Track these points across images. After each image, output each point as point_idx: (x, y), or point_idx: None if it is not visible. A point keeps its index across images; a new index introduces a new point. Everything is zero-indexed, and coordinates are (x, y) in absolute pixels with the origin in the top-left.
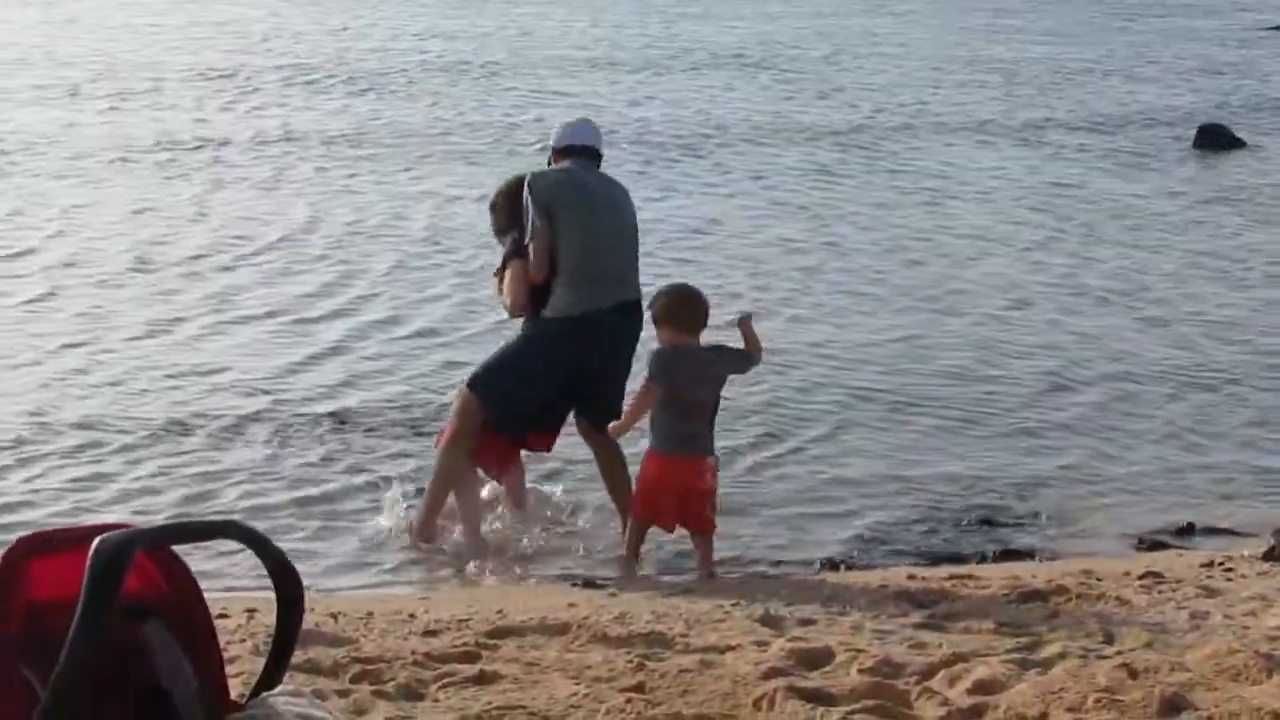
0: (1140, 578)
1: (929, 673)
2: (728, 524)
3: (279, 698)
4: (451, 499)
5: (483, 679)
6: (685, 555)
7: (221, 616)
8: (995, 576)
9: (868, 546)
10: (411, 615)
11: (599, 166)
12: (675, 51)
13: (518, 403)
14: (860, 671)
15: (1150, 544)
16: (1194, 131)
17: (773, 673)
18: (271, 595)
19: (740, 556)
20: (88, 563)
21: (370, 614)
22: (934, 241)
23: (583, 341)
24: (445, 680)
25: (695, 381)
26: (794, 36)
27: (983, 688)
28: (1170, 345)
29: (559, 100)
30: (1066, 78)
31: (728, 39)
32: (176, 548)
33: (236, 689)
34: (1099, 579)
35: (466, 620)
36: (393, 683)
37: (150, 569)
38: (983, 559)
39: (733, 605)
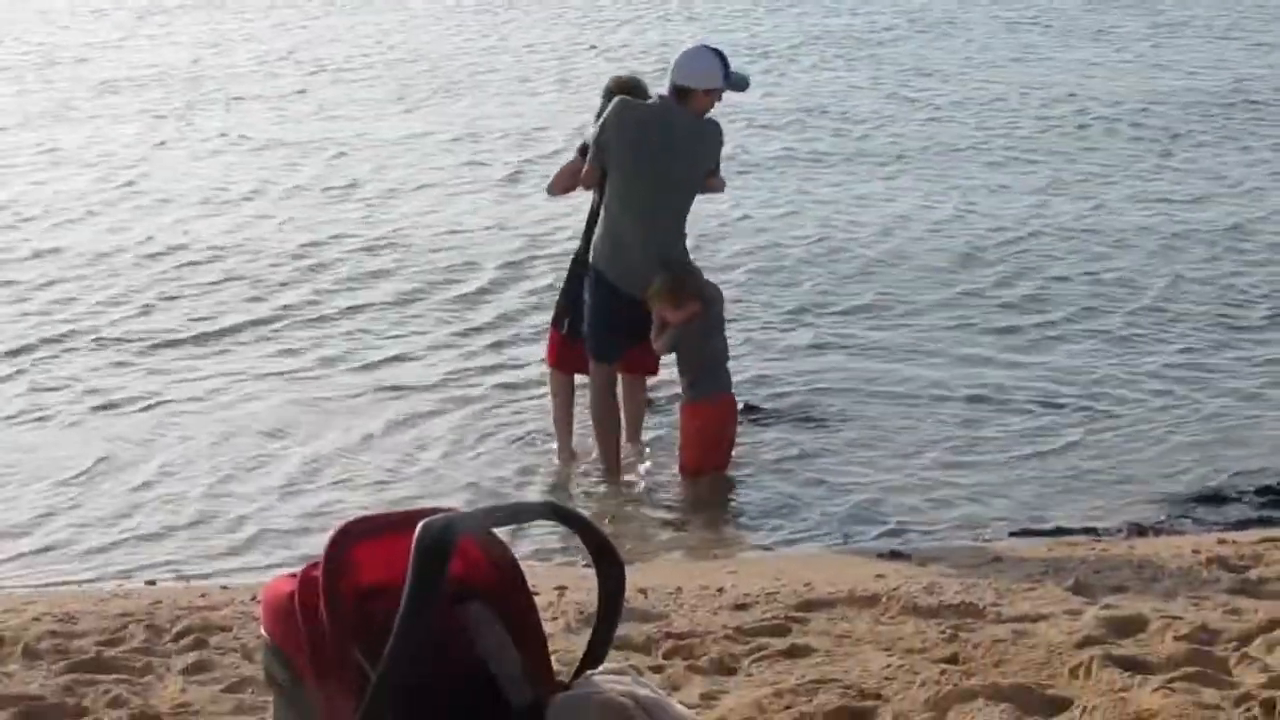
0: None
1: (1246, 638)
2: (1034, 494)
3: (603, 676)
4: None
5: (794, 652)
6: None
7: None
8: None
9: (1175, 511)
10: (720, 589)
11: (689, 102)
12: None
13: (597, 339)
14: (1176, 639)
15: None
16: None
17: (1087, 641)
18: (579, 570)
19: (1042, 524)
20: (413, 546)
21: (679, 589)
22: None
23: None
24: (757, 654)
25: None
26: None
27: None
28: None
29: None
30: None
31: None
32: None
33: (553, 667)
34: None
35: (774, 593)
36: (705, 657)
37: (472, 551)
38: None
39: (1042, 574)
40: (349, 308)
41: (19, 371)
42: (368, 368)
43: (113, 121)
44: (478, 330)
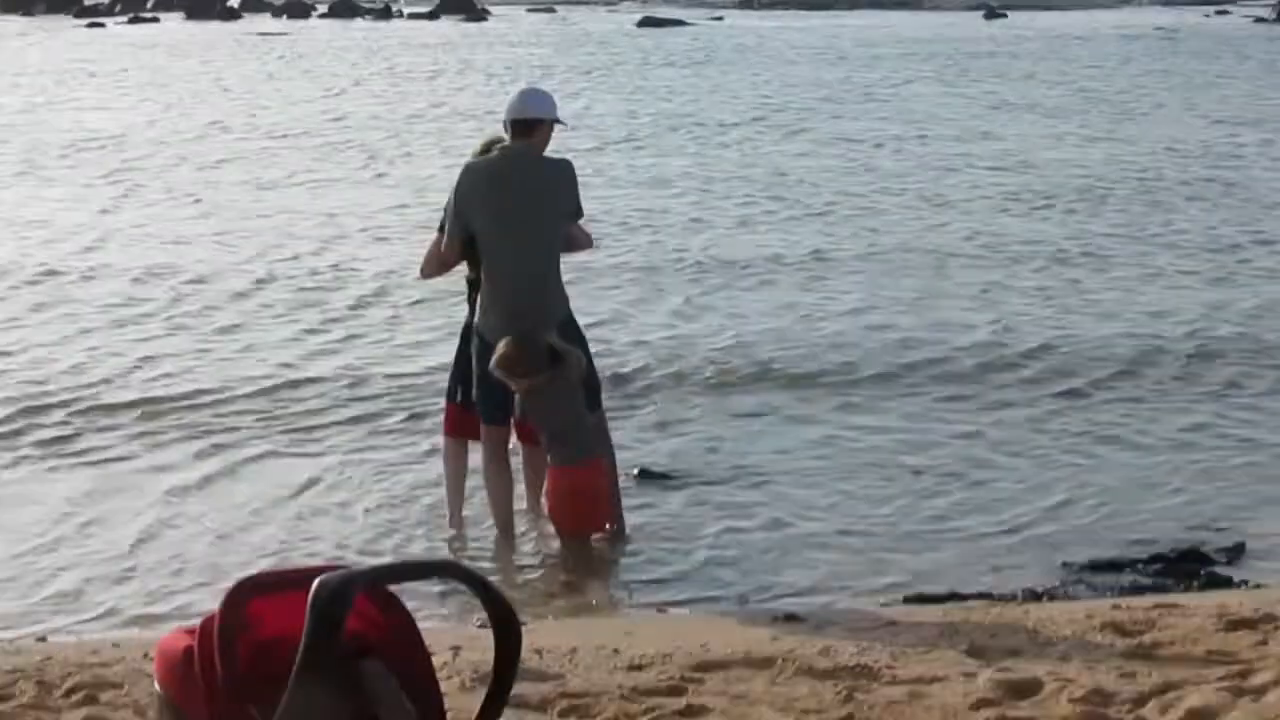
0: None
1: (1140, 701)
2: (929, 560)
3: None
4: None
5: (690, 712)
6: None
7: None
8: (1202, 606)
9: (1069, 577)
10: (615, 650)
11: (533, 136)
12: None
13: (484, 402)
14: (1071, 701)
15: None
16: None
17: (982, 703)
18: (473, 630)
19: (937, 588)
20: (309, 603)
21: (574, 649)
22: None
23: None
24: (653, 714)
25: None
26: None
27: (1196, 715)
28: None
29: None
30: None
31: None
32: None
33: None
34: None
35: (670, 654)
36: (601, 717)
37: (368, 608)
38: (1188, 588)
39: (937, 637)
40: (268, 383)
41: None
42: (272, 434)
43: (78, 186)
44: (379, 398)
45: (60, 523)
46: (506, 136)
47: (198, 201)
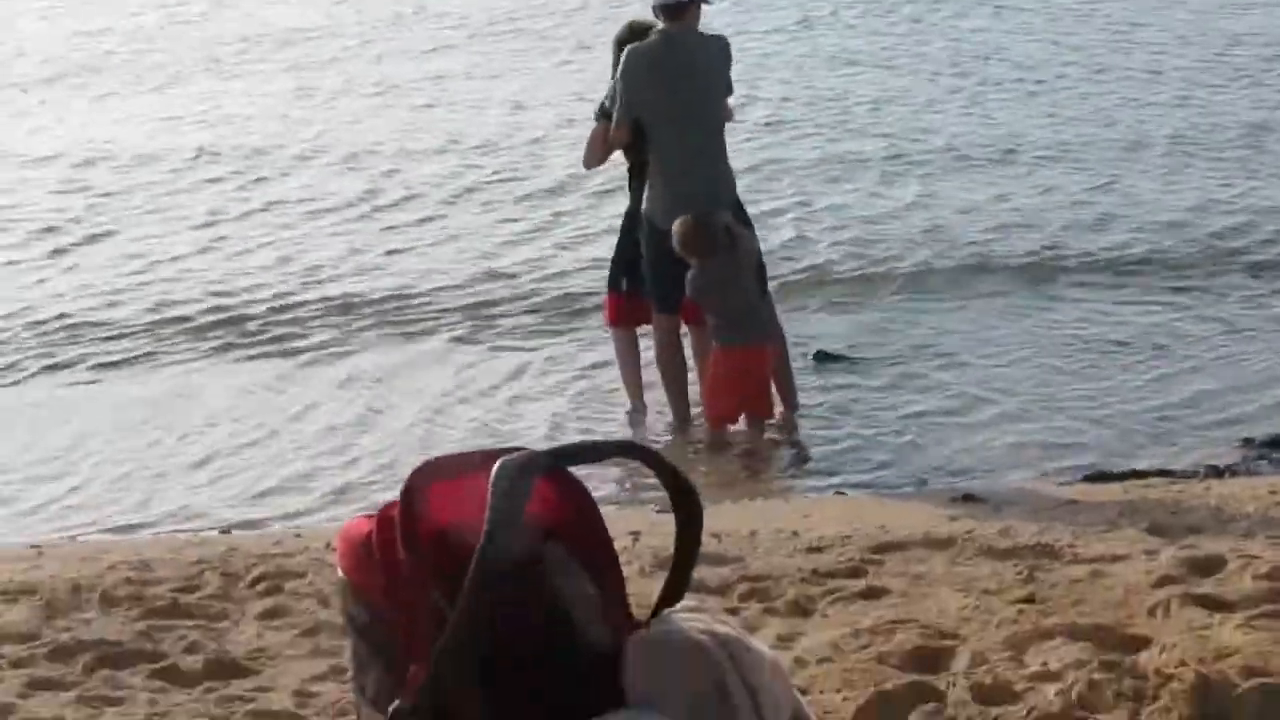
0: None
1: None
2: (1108, 438)
3: (681, 614)
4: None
5: (870, 594)
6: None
7: None
8: None
9: (1251, 453)
10: (794, 533)
11: (684, 17)
12: None
13: (658, 290)
14: (1255, 578)
15: None
16: None
17: (1165, 581)
18: (652, 516)
19: (1119, 466)
20: (489, 486)
21: (753, 532)
22: None
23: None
24: (833, 596)
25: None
26: None
27: None
28: None
29: None
30: None
31: None
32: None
33: (630, 608)
34: None
35: (849, 536)
36: (781, 600)
37: (547, 490)
38: None
39: (1118, 515)
40: (433, 290)
41: (117, 328)
42: (440, 331)
43: (297, 80)
44: (543, 296)
45: (252, 419)
46: (660, 20)
47: (419, 92)
